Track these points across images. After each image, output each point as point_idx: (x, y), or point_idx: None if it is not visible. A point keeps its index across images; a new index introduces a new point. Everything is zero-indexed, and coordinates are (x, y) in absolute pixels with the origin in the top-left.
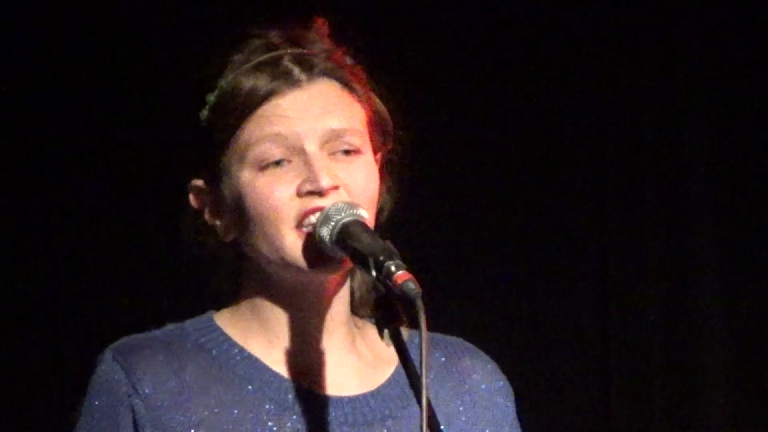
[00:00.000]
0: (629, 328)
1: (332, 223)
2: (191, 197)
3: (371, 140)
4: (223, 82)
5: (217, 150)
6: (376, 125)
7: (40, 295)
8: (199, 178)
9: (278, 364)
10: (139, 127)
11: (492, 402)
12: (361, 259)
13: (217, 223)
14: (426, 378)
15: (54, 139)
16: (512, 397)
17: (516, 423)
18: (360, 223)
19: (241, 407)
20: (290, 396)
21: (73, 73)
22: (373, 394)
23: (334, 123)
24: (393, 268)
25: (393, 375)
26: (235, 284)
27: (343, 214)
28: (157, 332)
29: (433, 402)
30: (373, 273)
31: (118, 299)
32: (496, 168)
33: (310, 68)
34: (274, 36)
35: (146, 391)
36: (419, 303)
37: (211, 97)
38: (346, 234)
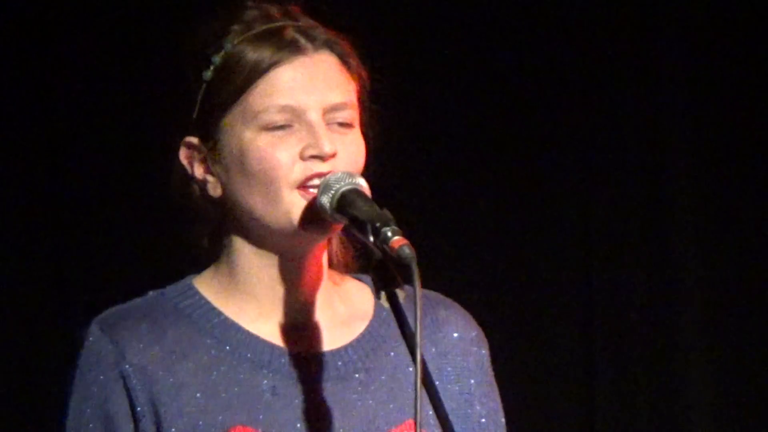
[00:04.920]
0: (613, 326)
1: (332, 192)
2: (182, 152)
3: (359, 115)
4: (228, 46)
5: (219, 110)
6: (362, 100)
7: (44, 254)
8: (193, 135)
9: (254, 325)
10: (131, 82)
11: (467, 351)
12: (359, 225)
13: (209, 178)
14: (421, 338)
15: (51, 105)
16: (486, 346)
17: (490, 371)
18: (358, 192)
19: (218, 369)
20: (265, 355)
21: (69, 37)
22: (346, 349)
23: (336, 97)
24: (389, 234)
25: (366, 330)
26: (216, 243)
27: (342, 183)
28: (138, 300)
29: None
30: (371, 238)
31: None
32: (484, 157)
33: (313, 39)
34: (272, 9)
35: (134, 359)
36: (414, 267)
37: (217, 59)
38: (346, 201)
